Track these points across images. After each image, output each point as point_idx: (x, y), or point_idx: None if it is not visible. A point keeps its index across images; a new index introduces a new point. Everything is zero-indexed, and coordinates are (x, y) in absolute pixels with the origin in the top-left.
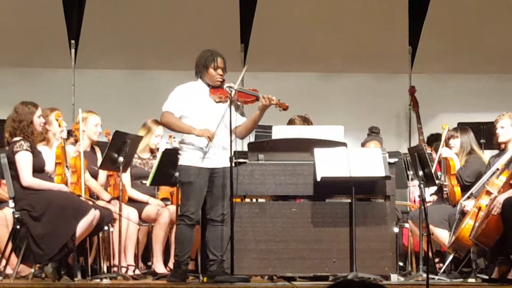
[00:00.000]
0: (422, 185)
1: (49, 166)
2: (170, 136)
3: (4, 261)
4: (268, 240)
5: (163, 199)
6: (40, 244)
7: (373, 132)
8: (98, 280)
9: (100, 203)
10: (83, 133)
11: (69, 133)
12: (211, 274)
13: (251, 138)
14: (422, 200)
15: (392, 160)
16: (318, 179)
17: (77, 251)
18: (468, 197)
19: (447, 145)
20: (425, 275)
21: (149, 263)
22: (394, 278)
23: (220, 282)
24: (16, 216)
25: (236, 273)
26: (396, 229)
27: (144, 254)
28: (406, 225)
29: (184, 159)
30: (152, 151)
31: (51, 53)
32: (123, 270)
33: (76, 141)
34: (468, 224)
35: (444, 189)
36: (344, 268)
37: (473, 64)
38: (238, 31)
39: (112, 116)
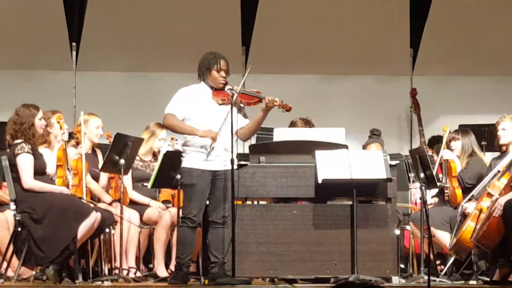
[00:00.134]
0: (423, 187)
1: (51, 169)
2: (172, 139)
3: (5, 264)
4: (269, 242)
5: (164, 202)
6: (41, 246)
7: (375, 134)
8: (100, 282)
9: (101, 205)
10: (84, 136)
11: (71, 135)
12: (212, 276)
13: (253, 140)
14: (423, 202)
15: (393, 162)
16: (320, 181)
17: (79, 253)
18: (469, 199)
19: (448, 147)
20: (426, 277)
21: (151, 266)
22: (396, 280)
23: (221, 284)
24: (17, 218)
25: (238, 275)
26: (397, 231)
27: (146, 257)
28: (408, 227)
29: (187, 162)
30: (154, 154)
31: (52, 56)
32: (125, 272)
33: (78, 143)
34: (469, 226)
35: (445, 191)
36: (346, 270)
37: (474, 66)
38: (239, 33)
39: (113, 118)
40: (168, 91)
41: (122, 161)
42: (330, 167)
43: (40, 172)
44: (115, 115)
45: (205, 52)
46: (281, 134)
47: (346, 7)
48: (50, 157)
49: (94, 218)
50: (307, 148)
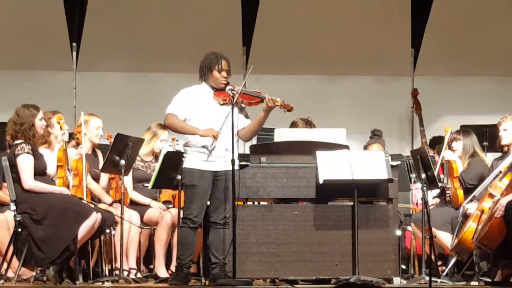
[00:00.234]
0: (424, 188)
1: (51, 169)
2: (173, 139)
3: (5, 264)
4: (270, 243)
5: (165, 202)
6: (41, 247)
7: (376, 135)
8: (100, 283)
9: (101, 206)
10: (84, 136)
11: (71, 136)
12: (213, 277)
13: (254, 140)
14: (425, 203)
15: (394, 163)
16: (321, 182)
17: (79, 254)
18: (471, 200)
19: (449, 147)
20: (427, 278)
21: (151, 266)
22: (397, 281)
23: (222, 285)
24: (17, 219)
25: (238, 276)
26: (398, 232)
27: (146, 257)
28: (409, 228)
29: (188, 162)
30: (155, 154)
31: (53, 56)
32: (125, 273)
33: (78, 144)
34: (470, 227)
35: (447, 192)
36: (347, 271)
37: (476, 66)
38: (240, 33)
39: (114, 119)
40: (169, 91)
41: (123, 162)
42: (331, 167)
43: (40, 172)
44: (115, 116)
45: (206, 53)
46: (282, 134)
47: (347, 7)
48: (50, 157)
49: (94, 218)
50: (308, 148)
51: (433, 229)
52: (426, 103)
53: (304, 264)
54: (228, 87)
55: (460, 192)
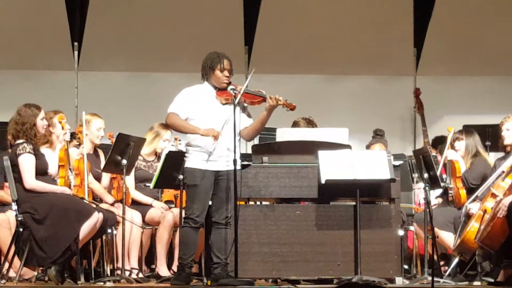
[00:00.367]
0: (427, 188)
1: (52, 169)
2: (175, 139)
3: (7, 264)
4: (272, 243)
5: (167, 202)
6: (43, 247)
7: (378, 135)
8: (102, 283)
9: (103, 206)
10: (86, 136)
11: (72, 135)
12: (215, 277)
13: (256, 140)
14: (427, 202)
15: (397, 163)
16: (323, 181)
17: (81, 254)
18: (474, 200)
19: (452, 147)
20: (430, 278)
21: (153, 266)
22: (399, 281)
23: (224, 285)
24: (19, 219)
25: (240, 276)
26: (401, 232)
27: (148, 257)
28: (411, 228)
29: (190, 162)
30: (157, 154)
31: (54, 55)
32: (127, 273)
33: (80, 143)
34: (473, 227)
35: (450, 191)
36: (349, 271)
37: (478, 66)
38: (242, 33)
39: (115, 118)
40: (170, 91)
41: (124, 161)
42: (333, 167)
43: (42, 172)
44: (117, 115)
45: (207, 52)
46: (284, 134)
47: (349, 7)
48: (52, 157)
49: (96, 218)
50: (310, 148)
51: (436, 229)
52: (428, 103)
53: (306, 264)
54: (230, 87)
55: (463, 192)
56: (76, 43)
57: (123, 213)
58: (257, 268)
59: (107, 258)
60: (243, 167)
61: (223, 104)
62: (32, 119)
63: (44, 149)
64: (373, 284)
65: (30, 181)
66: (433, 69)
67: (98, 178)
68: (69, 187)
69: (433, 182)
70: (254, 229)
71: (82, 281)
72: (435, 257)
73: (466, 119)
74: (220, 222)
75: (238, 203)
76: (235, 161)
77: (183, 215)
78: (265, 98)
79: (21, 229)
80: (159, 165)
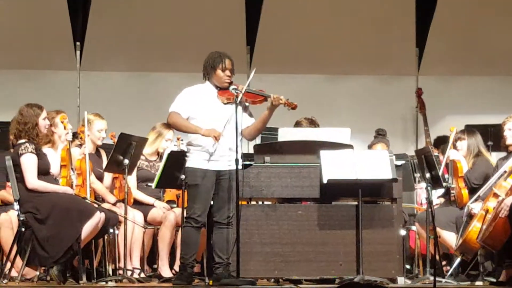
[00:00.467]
0: (429, 188)
1: (54, 169)
2: (178, 138)
3: (9, 264)
4: (274, 242)
5: (169, 202)
6: (45, 246)
7: (380, 134)
8: (104, 283)
9: (105, 205)
10: (88, 136)
11: (74, 135)
12: (217, 277)
13: (257, 140)
14: (429, 202)
15: (399, 163)
16: (325, 181)
17: (83, 253)
18: (476, 200)
19: (454, 147)
20: (432, 278)
21: (155, 266)
22: (401, 281)
23: (226, 285)
24: (21, 218)
25: (242, 276)
26: (403, 232)
27: (150, 257)
28: (413, 227)
29: (191, 162)
30: (159, 154)
31: (57, 55)
32: (129, 273)
33: (81, 143)
34: (475, 226)
35: (452, 191)
36: (351, 271)
37: (480, 65)
38: (244, 33)
39: (117, 118)
40: (172, 91)
41: (126, 161)
42: (335, 167)
43: (44, 172)
44: (119, 115)
45: (209, 52)
46: (286, 134)
47: (351, 7)
48: (54, 157)
49: (98, 218)
50: (312, 148)
51: (438, 229)
52: (430, 103)
53: (308, 264)
54: (232, 87)
55: (465, 192)
56: (78, 43)
57: (125, 212)
58: (259, 268)
59: (109, 258)
60: (245, 166)
61: (225, 103)
62: (34, 119)
63: (46, 149)
64: (375, 284)
65: (32, 181)
66: (435, 69)
67: (100, 178)
68: (71, 187)
69: (435, 182)
70: (256, 229)
71: (84, 280)
72: (437, 257)
73: (468, 119)
74: (221, 222)
75: (240, 203)
76: (237, 161)
77: (185, 215)
78: (267, 97)
79: (23, 229)
80: (161, 165)
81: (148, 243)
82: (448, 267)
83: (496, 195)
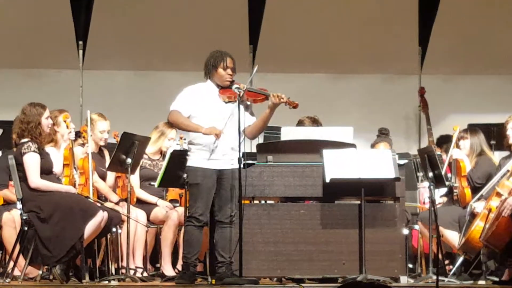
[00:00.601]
0: (431, 187)
1: (57, 168)
2: (181, 137)
3: (12, 263)
4: (276, 242)
5: (171, 201)
6: (48, 246)
7: (383, 134)
8: (106, 282)
9: (108, 204)
10: (90, 136)
11: (77, 134)
12: (219, 276)
13: (260, 139)
14: (432, 201)
15: (401, 162)
16: (327, 180)
17: (85, 252)
18: (478, 199)
19: (457, 146)
20: (434, 277)
21: (158, 265)
22: (404, 280)
23: (228, 284)
24: (24, 217)
25: (245, 275)
26: (405, 231)
27: (152, 256)
28: (416, 226)
29: (192, 160)
30: (162, 153)
31: (59, 54)
32: (131, 272)
33: (84, 143)
34: (478, 226)
35: (454, 190)
36: (353, 270)
37: (483, 65)
38: (247, 32)
39: (120, 117)
40: (175, 90)
41: (129, 160)
42: (338, 166)
43: (46, 171)
44: (121, 114)
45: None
46: (289, 133)
47: (354, 6)
48: (56, 156)
49: (101, 217)
50: (315, 147)
51: (440, 228)
52: (433, 102)
53: (311, 263)
54: (235, 86)
55: (468, 191)
56: (81, 42)
57: (128, 212)
58: (261, 267)
59: (112, 257)
60: (247, 165)
61: (226, 102)
62: (37, 118)
63: (49, 148)
64: (377, 283)
65: (35, 180)
66: (438, 68)
67: (103, 177)
68: (74, 186)
69: (438, 181)
70: (259, 228)
71: (87, 280)
72: (440, 256)
73: (471, 118)
74: (224, 221)
75: (242, 202)
76: (239, 160)
77: (187, 214)
78: (268, 96)
79: (26, 228)
80: (164, 164)
81: (151, 242)
82: (451, 266)
83: (499, 194)
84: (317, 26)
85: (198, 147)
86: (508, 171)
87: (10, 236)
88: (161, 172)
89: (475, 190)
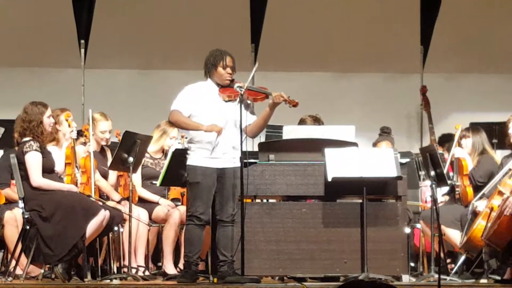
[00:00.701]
0: (433, 185)
1: (59, 167)
2: (182, 136)
3: (14, 262)
4: (278, 240)
5: (173, 200)
6: (50, 244)
7: (385, 132)
8: (108, 280)
9: (110, 203)
10: (92, 135)
11: (79, 133)
12: (221, 275)
13: (262, 138)
14: (434, 200)
15: (403, 160)
16: (329, 179)
17: (87, 251)
18: (480, 198)
19: (459, 145)
20: (436, 276)
21: (159, 264)
22: (406, 278)
23: (230, 283)
24: (25, 216)
25: (247, 273)
26: (407, 230)
27: (154, 255)
28: (418, 225)
29: (191, 159)
30: (164, 151)
31: (61, 53)
32: (133, 270)
33: (86, 142)
34: (480, 224)
35: (456, 189)
36: (355, 269)
37: (485, 63)
38: (248, 31)
39: (122, 116)
40: (177, 89)
41: (131, 159)
42: (339, 165)
43: (48, 170)
44: (123, 113)
45: None
46: (291, 132)
47: (356, 5)
48: (58, 155)
49: (102, 216)
50: (317, 146)
51: (442, 227)
52: (435, 101)
53: (313, 261)
54: (237, 85)
55: (470, 190)
56: (82, 41)
57: (130, 210)
58: (263, 266)
59: (114, 256)
60: (249, 164)
61: (226, 101)
62: (38, 117)
63: (50, 147)
64: (379, 282)
65: (37, 178)
66: (439, 67)
67: (105, 176)
68: (76, 184)
69: (440, 179)
70: (261, 227)
71: (89, 278)
72: (442, 254)
73: (473, 116)
74: (225, 220)
75: (244, 200)
76: (241, 159)
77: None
78: (268, 94)
79: (27, 227)
80: (165, 162)
81: (153, 241)
82: (453, 265)
83: (500, 193)
84: (319, 25)
85: (198, 146)
86: (510, 169)
87: (12, 235)
88: (163, 171)
89: (477, 188)
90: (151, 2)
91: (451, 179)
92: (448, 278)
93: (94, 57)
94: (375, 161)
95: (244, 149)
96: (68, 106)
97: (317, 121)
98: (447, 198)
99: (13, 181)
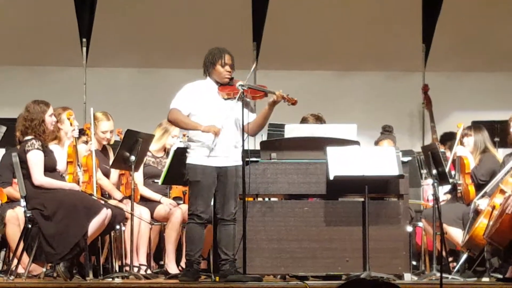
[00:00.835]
0: (435, 184)
1: (61, 165)
2: (184, 135)
3: (16, 260)
4: (280, 239)
5: (175, 198)
6: (51, 243)
7: (387, 131)
8: (110, 279)
9: (112, 202)
10: (94, 134)
11: (81, 132)
12: (223, 273)
13: (264, 136)
14: (436, 199)
15: (405, 159)
16: (331, 178)
17: (89, 250)
18: (482, 196)
19: (461, 143)
20: (438, 274)
21: (161, 263)
22: (408, 277)
23: (232, 281)
24: (27, 215)
25: (249, 272)
26: (409, 228)
27: (156, 253)
28: (420, 224)
29: (191, 158)
30: (166, 150)
31: (63, 52)
32: (135, 269)
33: (88, 140)
34: (482, 223)
35: (458, 188)
36: (357, 267)
37: (487, 62)
38: (250, 29)
39: (124, 114)
40: (178, 87)
41: (133, 158)
42: (341, 163)
43: (50, 168)
44: (125, 111)
45: None
46: (293, 130)
47: (357, 3)
48: (60, 153)
49: (104, 214)
50: (319, 144)
51: (444, 225)
52: (436, 99)
53: (315, 260)
54: (239, 83)
55: (472, 188)
56: (84, 39)
57: (132, 209)
58: (265, 264)
59: (116, 255)
60: (251, 163)
61: (225, 99)
62: (40, 116)
63: (52, 146)
64: (381, 281)
65: (39, 177)
66: (441, 65)
67: (106, 174)
68: (78, 183)
69: (442, 178)
70: (262, 226)
71: (91, 277)
72: (444, 253)
73: (475, 115)
74: (226, 219)
75: (246, 199)
76: (243, 158)
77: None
78: (267, 93)
79: (29, 226)
80: (167, 161)
81: (155, 239)
82: (455, 264)
83: (502, 191)
84: (321, 23)
85: (197, 144)
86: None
87: (14, 234)
88: (164, 170)
89: (479, 187)
90: (153, 1)
91: (453, 178)
92: (450, 276)
93: (96, 55)
94: (377, 160)
95: (246, 148)
96: (70, 105)
97: (319, 119)
98: (449, 196)
99: (15, 180)
